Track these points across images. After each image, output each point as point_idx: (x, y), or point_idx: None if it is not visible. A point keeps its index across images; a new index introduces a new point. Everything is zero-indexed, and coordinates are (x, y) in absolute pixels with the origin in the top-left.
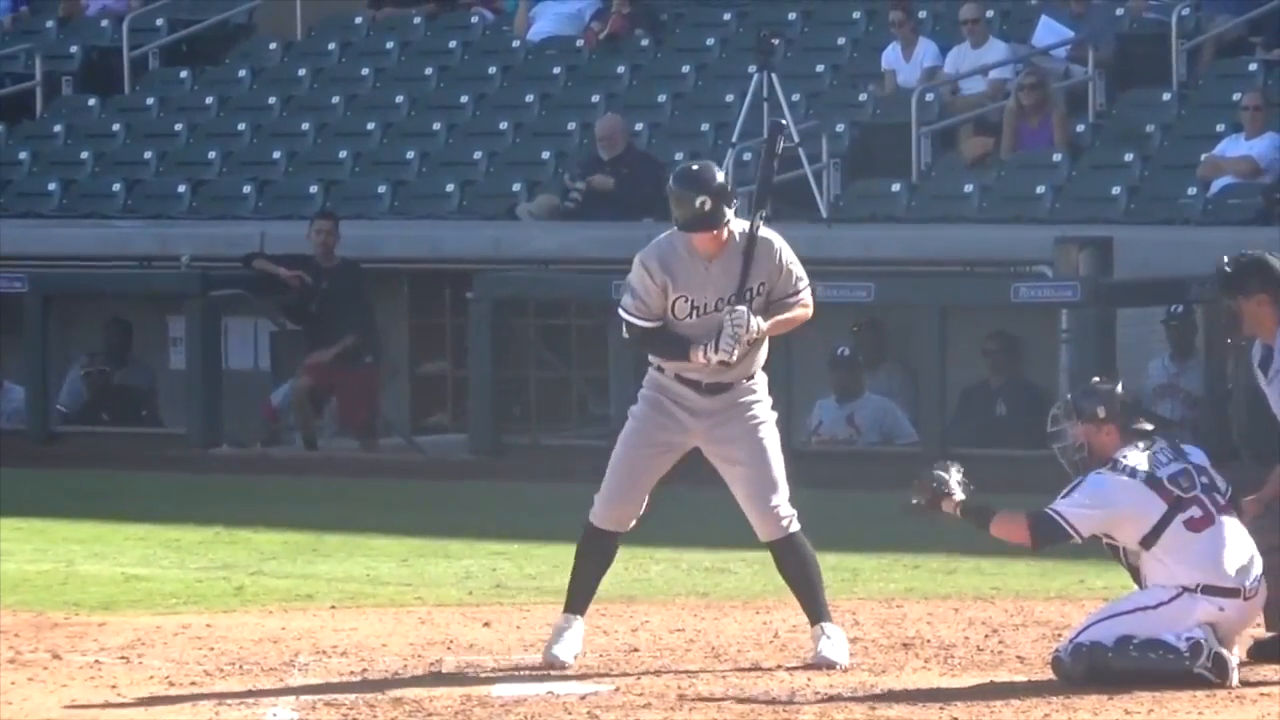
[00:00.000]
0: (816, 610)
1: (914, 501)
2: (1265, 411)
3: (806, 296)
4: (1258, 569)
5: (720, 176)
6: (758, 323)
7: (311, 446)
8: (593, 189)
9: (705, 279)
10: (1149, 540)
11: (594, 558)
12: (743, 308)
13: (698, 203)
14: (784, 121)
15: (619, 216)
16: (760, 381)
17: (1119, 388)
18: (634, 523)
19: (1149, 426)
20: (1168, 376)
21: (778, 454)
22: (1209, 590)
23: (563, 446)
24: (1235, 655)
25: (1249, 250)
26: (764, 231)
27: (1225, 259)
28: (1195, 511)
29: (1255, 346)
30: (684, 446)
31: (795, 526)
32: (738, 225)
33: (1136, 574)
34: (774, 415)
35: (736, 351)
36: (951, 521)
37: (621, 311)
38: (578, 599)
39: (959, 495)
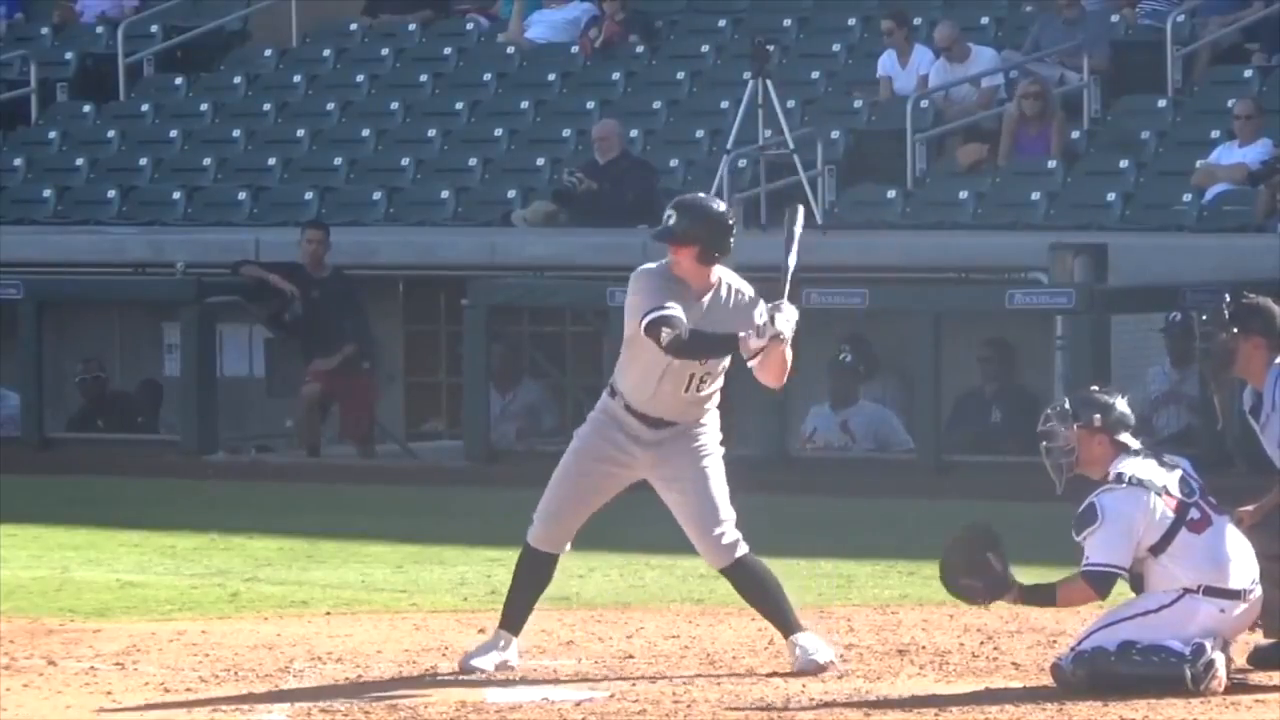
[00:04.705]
0: (785, 624)
1: (973, 600)
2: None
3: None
4: (1255, 572)
5: (710, 209)
6: (794, 313)
7: (314, 453)
8: (586, 180)
9: (691, 311)
10: (1159, 548)
11: (532, 578)
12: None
13: (666, 213)
14: (800, 207)
15: (613, 223)
16: (710, 418)
17: (1118, 400)
18: (569, 546)
19: (1136, 444)
20: (1169, 384)
21: (721, 482)
22: (1211, 592)
23: (557, 453)
24: (1225, 663)
25: (1251, 295)
26: (748, 289)
27: (1227, 296)
28: (1195, 514)
29: (1246, 391)
30: (629, 476)
31: (741, 550)
32: (730, 278)
33: (1139, 580)
34: (721, 449)
35: (788, 331)
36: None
37: (654, 316)
38: (513, 617)
39: (1016, 585)
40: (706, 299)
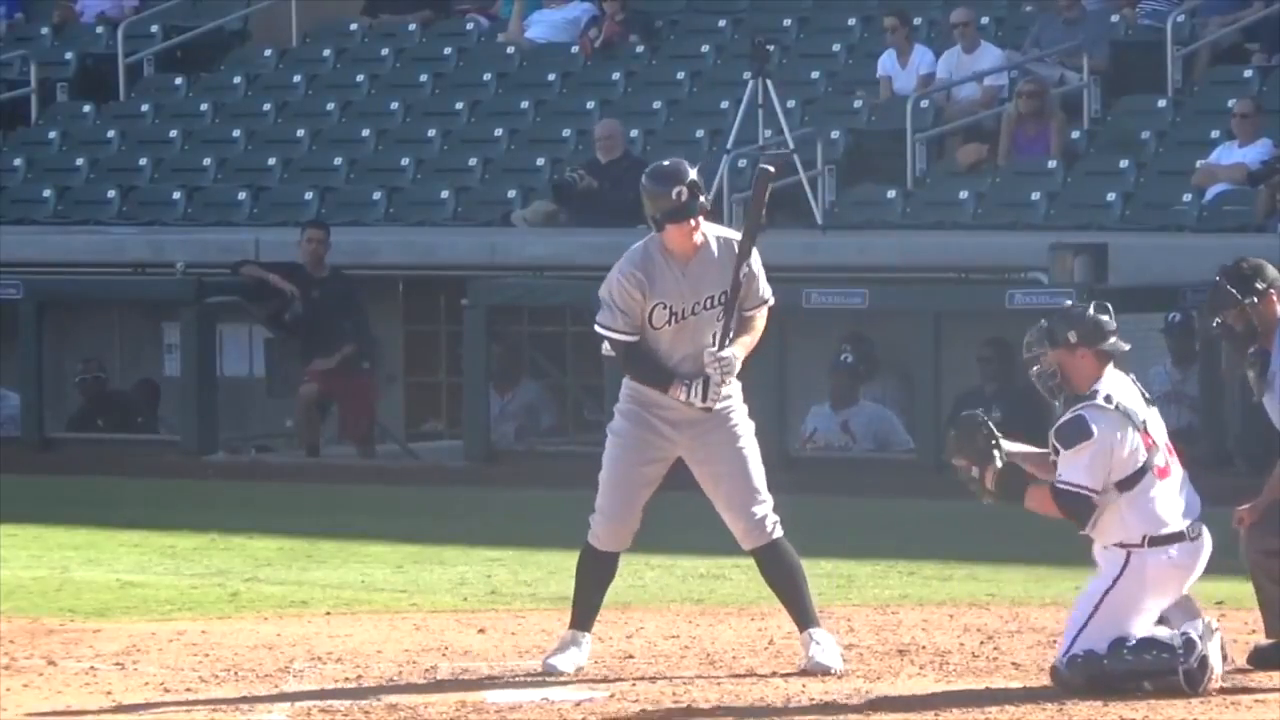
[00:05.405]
0: (805, 616)
1: (957, 462)
2: (1259, 417)
3: (763, 316)
4: (1197, 509)
5: (693, 173)
6: (738, 362)
7: (314, 453)
8: (587, 177)
9: (681, 283)
10: (1126, 485)
11: (596, 577)
12: (727, 352)
13: (674, 193)
14: (771, 168)
15: (613, 223)
16: (736, 386)
17: (1091, 311)
18: (631, 540)
19: (1124, 346)
20: (1171, 383)
21: (758, 462)
22: (1155, 541)
23: (558, 453)
24: (1219, 657)
25: (1230, 264)
26: (728, 232)
27: (1218, 278)
28: (1160, 460)
29: (1252, 351)
30: (670, 457)
31: (778, 532)
32: (711, 231)
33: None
34: (752, 425)
35: (715, 401)
36: (981, 487)
37: (600, 329)
38: (583, 616)
39: (999, 462)
40: (695, 261)
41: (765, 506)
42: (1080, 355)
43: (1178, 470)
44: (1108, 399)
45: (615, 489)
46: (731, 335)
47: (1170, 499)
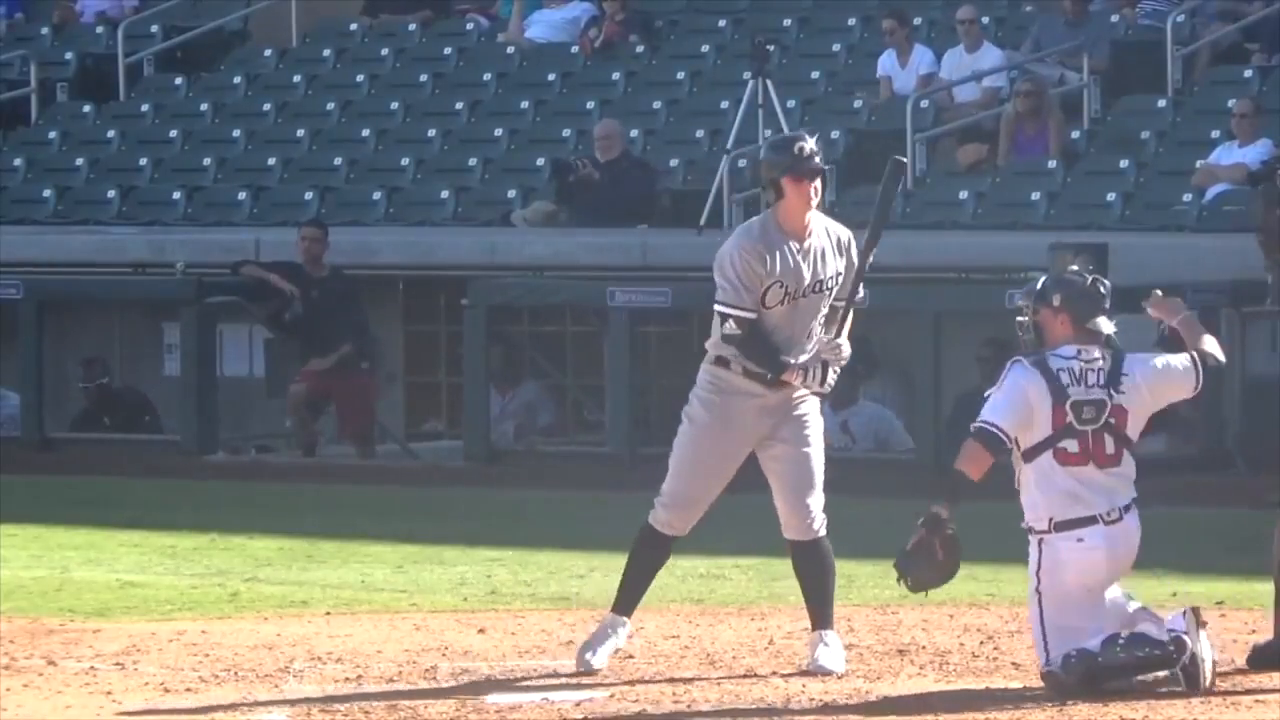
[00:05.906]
0: (823, 617)
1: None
2: (1259, 414)
3: (850, 312)
4: (1124, 499)
5: (811, 142)
6: (847, 353)
7: (310, 453)
8: (589, 166)
9: (799, 263)
10: (1029, 455)
11: (650, 560)
12: (841, 340)
13: (795, 148)
14: (903, 159)
15: (613, 223)
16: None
17: (1088, 282)
18: (690, 529)
19: (1106, 329)
20: None
21: (820, 458)
22: (1061, 526)
23: (557, 453)
24: (1209, 652)
25: None
26: (836, 225)
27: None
28: (1072, 445)
29: None
30: (745, 452)
31: (823, 531)
32: (819, 218)
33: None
34: (821, 421)
35: (830, 385)
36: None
37: (723, 308)
38: (628, 600)
39: (939, 514)
40: (808, 241)
41: (817, 502)
42: (1060, 320)
43: (1094, 469)
44: (1041, 361)
45: (687, 475)
46: (835, 282)
47: (1083, 486)
